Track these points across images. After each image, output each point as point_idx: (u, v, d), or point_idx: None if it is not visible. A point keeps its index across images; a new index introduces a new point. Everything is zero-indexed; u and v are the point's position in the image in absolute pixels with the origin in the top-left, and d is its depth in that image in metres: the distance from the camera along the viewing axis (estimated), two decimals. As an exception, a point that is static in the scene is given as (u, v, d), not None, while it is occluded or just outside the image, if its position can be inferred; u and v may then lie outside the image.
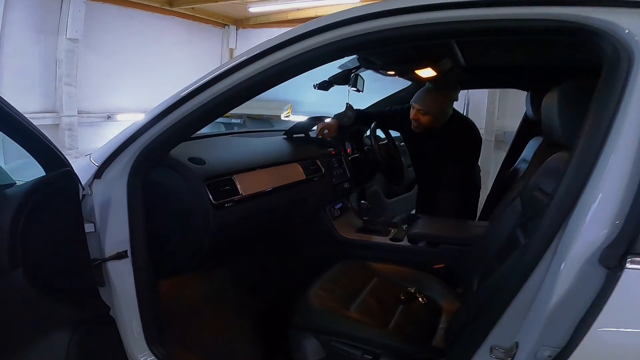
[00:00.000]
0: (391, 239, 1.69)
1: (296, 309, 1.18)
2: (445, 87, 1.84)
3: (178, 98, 0.95)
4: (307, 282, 1.28)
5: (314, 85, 1.74)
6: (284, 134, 1.78)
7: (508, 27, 0.72)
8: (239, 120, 5.01)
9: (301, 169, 1.57)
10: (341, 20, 0.81)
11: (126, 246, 0.97)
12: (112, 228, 0.97)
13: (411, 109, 1.87)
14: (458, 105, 1.92)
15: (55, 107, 3.71)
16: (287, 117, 4.84)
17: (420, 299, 1.25)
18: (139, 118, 1.01)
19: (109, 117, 4.15)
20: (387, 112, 2.09)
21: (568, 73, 1.54)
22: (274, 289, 1.65)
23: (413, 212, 2.36)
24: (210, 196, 1.14)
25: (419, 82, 1.91)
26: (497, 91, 3.52)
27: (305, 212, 1.63)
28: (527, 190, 1.12)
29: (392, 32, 0.78)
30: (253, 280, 1.66)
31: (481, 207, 2.36)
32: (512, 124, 3.46)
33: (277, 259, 1.76)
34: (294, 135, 1.77)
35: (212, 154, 1.27)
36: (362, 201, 1.77)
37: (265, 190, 1.35)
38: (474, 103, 3.60)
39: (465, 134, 1.90)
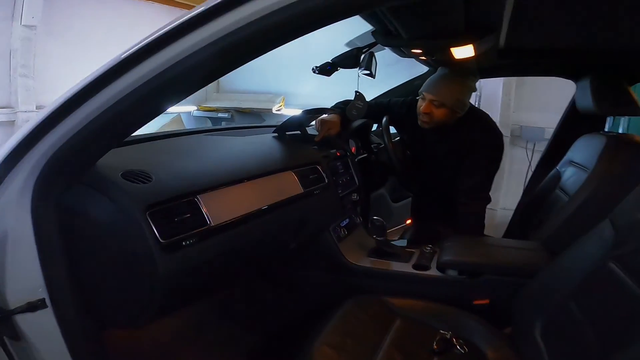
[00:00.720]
0: (414, 266, 1.32)
1: None
2: (464, 75, 1.49)
3: (103, 71, 0.63)
4: (308, 328, 0.97)
5: (313, 68, 1.33)
6: (274, 132, 1.40)
7: None
8: (226, 115, 4.59)
9: (297, 180, 1.19)
10: None
11: (43, 294, 0.71)
12: (17, 271, 0.71)
13: (420, 100, 1.51)
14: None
15: (10, 102, 3.29)
16: (279, 110, 4.45)
17: (458, 346, 0.98)
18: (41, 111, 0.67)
19: (75, 113, 3.71)
20: (386, 104, 1.74)
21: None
22: (264, 327, 1.33)
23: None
24: (156, 232, 0.76)
25: (445, 66, 1.54)
26: (513, 81, 3.16)
27: (304, 235, 1.25)
28: (623, 213, 0.84)
29: None
30: (239, 316, 1.34)
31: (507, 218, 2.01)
32: (529, 118, 3.16)
33: (268, 291, 1.42)
34: (288, 133, 1.40)
35: (164, 165, 0.89)
36: (375, 217, 1.38)
37: (247, 214, 0.96)
38: (487, 94, 3.23)
39: (487, 132, 1.55)
